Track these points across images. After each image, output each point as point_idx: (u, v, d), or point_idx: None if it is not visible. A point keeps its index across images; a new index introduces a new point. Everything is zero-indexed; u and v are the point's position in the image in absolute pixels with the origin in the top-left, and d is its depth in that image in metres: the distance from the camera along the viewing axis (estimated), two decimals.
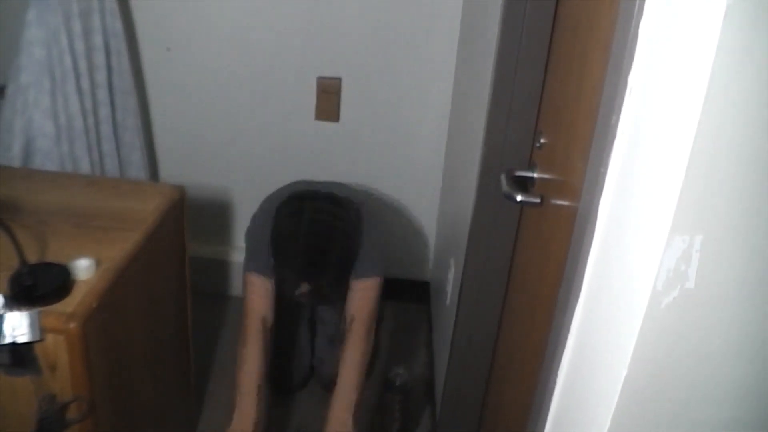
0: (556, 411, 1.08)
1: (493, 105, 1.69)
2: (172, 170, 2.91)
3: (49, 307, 1.38)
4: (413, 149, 2.81)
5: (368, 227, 2.20)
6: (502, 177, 1.54)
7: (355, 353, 2.11)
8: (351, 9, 2.57)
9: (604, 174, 0.89)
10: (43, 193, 1.82)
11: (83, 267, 1.47)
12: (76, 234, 1.65)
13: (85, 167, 2.36)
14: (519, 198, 1.49)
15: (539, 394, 1.15)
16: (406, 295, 3.06)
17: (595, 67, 1.17)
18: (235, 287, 3.02)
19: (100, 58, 2.38)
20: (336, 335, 2.54)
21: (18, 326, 1.33)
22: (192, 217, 1.97)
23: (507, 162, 1.68)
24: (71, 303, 1.40)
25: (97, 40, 2.36)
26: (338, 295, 2.21)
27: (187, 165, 2.88)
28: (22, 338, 1.33)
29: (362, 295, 2.18)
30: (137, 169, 2.65)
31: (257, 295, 2.14)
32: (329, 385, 2.54)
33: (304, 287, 2.14)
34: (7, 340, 1.32)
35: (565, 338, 1.02)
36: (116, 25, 2.43)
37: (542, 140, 1.56)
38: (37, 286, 1.39)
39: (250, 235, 2.26)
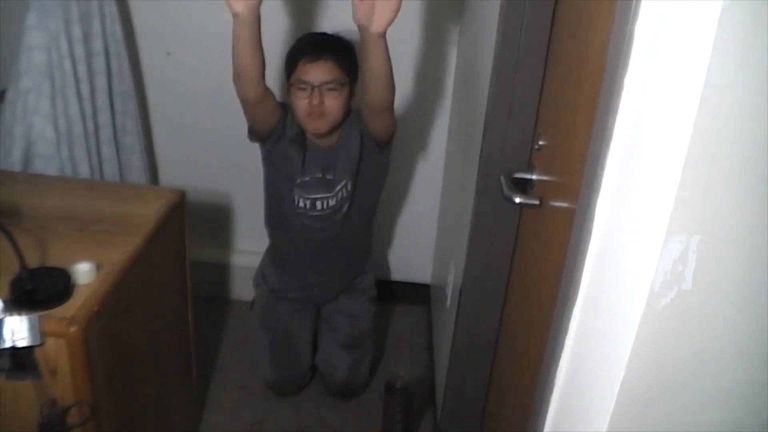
0: (555, 412, 1.08)
1: (492, 107, 1.69)
2: (172, 174, 2.91)
3: (49, 311, 1.38)
4: (412, 151, 2.81)
5: None
6: (502, 179, 1.54)
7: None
8: (350, 12, 2.57)
9: (601, 176, 0.89)
10: (44, 198, 1.83)
11: (84, 271, 1.47)
12: (77, 238, 1.65)
13: (85, 171, 2.36)
14: (518, 200, 1.49)
15: (538, 396, 1.16)
16: (406, 297, 3.06)
17: (592, 70, 1.17)
18: (236, 291, 3.03)
19: (100, 63, 2.39)
20: (347, 343, 2.54)
21: (18, 330, 1.33)
22: (192, 221, 1.97)
23: (506, 164, 1.68)
24: (72, 307, 1.40)
25: (97, 44, 2.37)
26: None
27: (187, 169, 2.88)
28: (23, 342, 1.33)
29: None
30: (137, 173, 2.65)
31: None
32: (340, 391, 2.55)
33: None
34: (8, 344, 1.33)
35: (564, 340, 1.02)
36: (116, 29, 2.43)
37: (541, 142, 1.57)
38: (38, 291, 1.39)
39: None
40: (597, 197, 0.90)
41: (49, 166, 2.27)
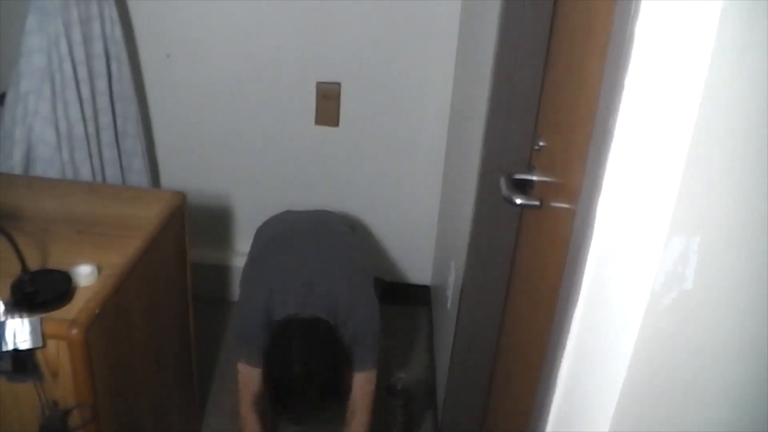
0: (557, 413, 1.08)
1: (491, 108, 1.69)
2: (172, 176, 2.91)
3: (50, 313, 1.38)
4: (413, 153, 2.81)
5: (360, 323, 2.13)
6: (502, 180, 1.54)
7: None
8: (350, 14, 2.58)
9: (602, 176, 0.89)
10: (44, 201, 1.83)
11: (85, 273, 1.47)
12: (78, 240, 1.65)
13: (86, 174, 2.36)
14: (518, 201, 1.49)
15: (540, 396, 1.16)
16: (406, 298, 3.06)
17: (592, 70, 1.18)
18: (237, 293, 3.02)
19: (100, 65, 2.39)
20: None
21: (19, 333, 1.33)
22: (193, 223, 1.98)
23: (506, 165, 1.69)
24: (73, 309, 1.40)
25: (97, 47, 2.37)
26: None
27: (187, 171, 2.88)
28: (24, 345, 1.33)
29: (362, 390, 2.16)
30: (138, 175, 2.65)
31: (249, 385, 2.12)
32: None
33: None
34: (9, 346, 1.33)
35: (565, 340, 1.02)
36: (116, 32, 2.43)
37: (541, 143, 1.57)
38: (39, 293, 1.39)
39: (239, 327, 2.14)
40: (598, 198, 0.90)
41: (50, 169, 2.27)
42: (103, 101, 2.42)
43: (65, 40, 2.23)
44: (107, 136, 2.47)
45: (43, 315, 1.36)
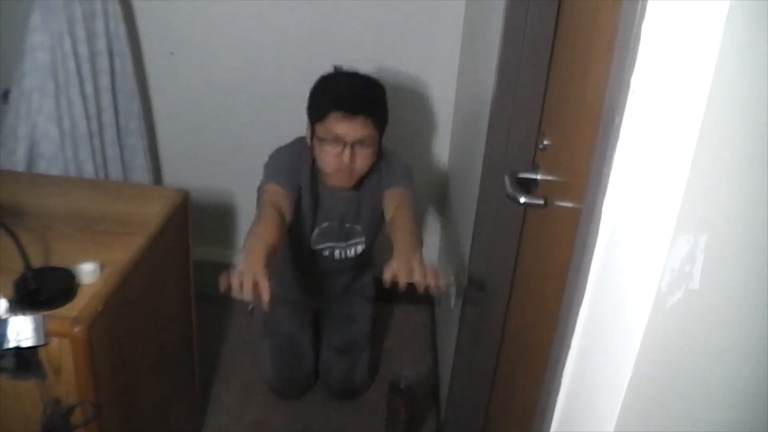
0: (561, 412, 1.08)
1: (495, 107, 1.69)
2: (175, 174, 2.91)
3: (53, 311, 1.38)
4: (416, 151, 2.81)
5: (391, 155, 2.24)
6: (506, 179, 1.54)
7: (407, 220, 2.02)
8: (354, 12, 2.58)
9: (608, 175, 0.88)
10: (47, 198, 1.83)
11: (88, 271, 1.47)
12: (81, 238, 1.65)
13: (89, 171, 2.36)
14: (522, 200, 1.48)
15: (544, 396, 1.15)
16: (410, 297, 3.04)
17: (597, 69, 1.17)
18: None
19: (103, 63, 2.39)
20: (342, 346, 2.54)
21: (22, 330, 1.33)
22: (196, 221, 1.97)
23: (510, 164, 1.68)
24: (76, 307, 1.40)
25: (101, 44, 2.37)
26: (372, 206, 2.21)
27: (190, 168, 2.88)
28: (27, 342, 1.33)
29: (399, 197, 2.11)
30: (141, 172, 2.65)
31: (274, 195, 2.04)
32: (338, 393, 2.55)
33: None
34: (12, 344, 1.33)
35: (570, 339, 1.02)
36: (120, 29, 2.43)
37: (545, 142, 1.56)
38: (42, 290, 1.39)
39: (272, 159, 2.20)
40: (604, 197, 0.90)
41: (53, 166, 2.28)
42: (106, 98, 2.43)
43: (69, 37, 2.23)
44: (110, 133, 2.47)
45: (46, 312, 1.36)
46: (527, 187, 1.57)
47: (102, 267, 1.51)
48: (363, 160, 2.11)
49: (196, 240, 2.00)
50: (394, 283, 1.69)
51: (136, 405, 1.74)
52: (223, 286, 1.63)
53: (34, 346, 1.35)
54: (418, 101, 2.71)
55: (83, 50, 2.28)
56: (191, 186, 2.01)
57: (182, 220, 1.89)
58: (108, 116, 2.45)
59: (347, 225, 2.29)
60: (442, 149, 2.79)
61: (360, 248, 2.35)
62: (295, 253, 2.40)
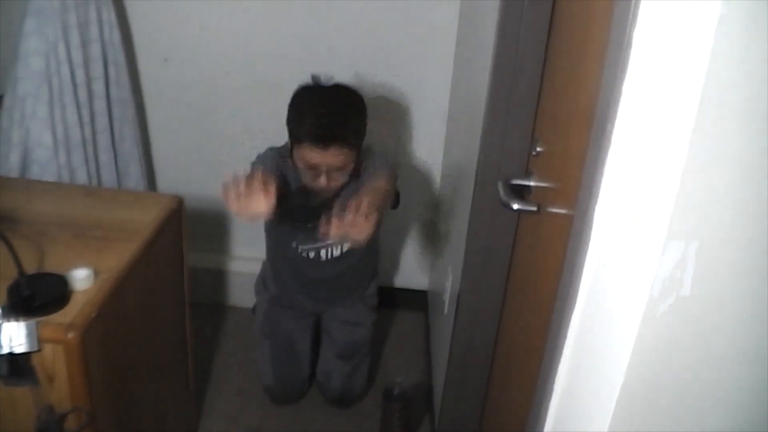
0: (554, 418, 1.08)
1: (489, 113, 1.69)
2: (170, 180, 2.91)
3: (47, 317, 1.38)
4: (410, 157, 2.81)
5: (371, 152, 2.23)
6: (499, 185, 1.54)
7: (377, 181, 2.06)
8: (348, 18, 2.58)
9: (600, 182, 0.89)
10: (41, 204, 1.83)
11: (81, 277, 1.47)
12: (75, 244, 1.65)
13: (82, 178, 2.36)
14: (516, 206, 1.49)
15: (537, 402, 1.16)
16: (403, 304, 3.06)
17: (590, 75, 1.18)
18: (234, 297, 3.02)
19: (97, 69, 2.39)
20: (344, 352, 2.54)
21: (16, 336, 1.32)
22: (190, 227, 1.97)
23: (503, 170, 1.69)
24: (69, 313, 1.40)
25: (95, 50, 2.37)
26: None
27: (185, 175, 2.88)
28: (20, 348, 1.33)
29: (374, 178, 2.11)
30: (135, 179, 2.65)
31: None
32: (337, 400, 2.55)
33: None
34: (5, 350, 1.32)
35: (562, 346, 1.02)
36: (114, 35, 2.43)
37: (538, 148, 1.57)
38: (35, 297, 1.39)
39: (261, 156, 2.27)
40: (595, 203, 0.90)
41: (47, 172, 2.27)
42: (100, 105, 2.42)
43: (63, 43, 2.23)
44: (104, 139, 2.47)
45: (40, 319, 1.36)
46: (520, 193, 1.58)
47: (96, 273, 1.51)
48: (340, 177, 2.14)
49: (191, 246, 2.00)
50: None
51: (130, 411, 1.74)
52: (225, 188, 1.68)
53: (27, 352, 1.34)
54: (412, 107, 2.71)
55: (77, 56, 2.28)
56: (185, 192, 2.01)
57: (176, 227, 1.89)
58: (102, 123, 2.45)
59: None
60: (435, 155, 2.80)
61: (345, 245, 2.35)
62: (286, 258, 2.41)
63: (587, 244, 0.93)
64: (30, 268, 1.44)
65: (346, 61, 2.65)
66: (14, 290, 1.38)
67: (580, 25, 1.31)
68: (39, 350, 1.36)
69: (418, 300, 3.07)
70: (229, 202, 1.69)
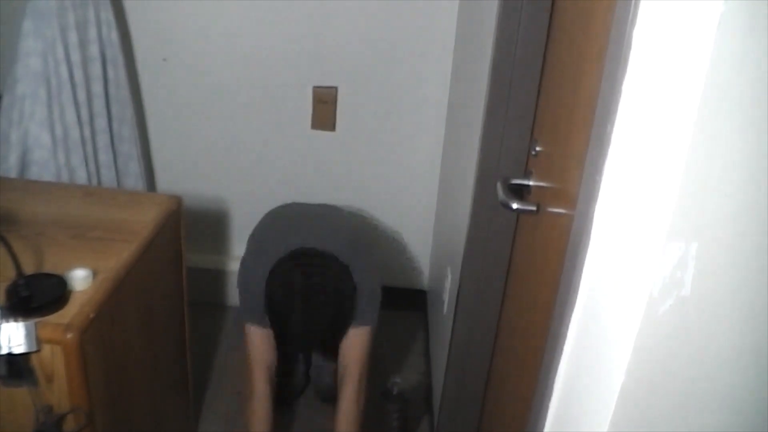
0: (554, 418, 1.08)
1: (488, 113, 1.69)
2: (168, 180, 2.91)
3: (45, 317, 1.37)
4: (409, 158, 2.81)
5: (360, 279, 2.08)
6: (498, 185, 1.54)
7: (351, 406, 2.12)
8: (347, 18, 2.58)
9: (600, 182, 0.89)
10: (40, 204, 1.82)
11: (80, 278, 1.47)
12: (73, 245, 1.65)
13: (81, 178, 2.36)
14: (515, 206, 1.49)
15: (537, 402, 1.15)
16: (403, 303, 3.05)
17: (589, 76, 1.18)
18: (232, 297, 3.02)
19: (96, 69, 2.39)
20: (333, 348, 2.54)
21: (14, 337, 1.32)
22: (189, 227, 1.97)
23: (503, 170, 1.69)
24: (68, 314, 1.40)
25: (94, 50, 2.36)
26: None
27: (183, 175, 2.88)
28: (19, 349, 1.33)
29: (355, 341, 2.13)
30: (134, 179, 2.65)
31: (259, 346, 2.09)
32: (327, 396, 2.54)
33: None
34: (4, 351, 1.32)
35: (562, 346, 1.02)
36: (112, 35, 2.43)
37: (538, 148, 1.57)
38: (34, 297, 1.38)
39: (243, 283, 2.13)
40: (595, 203, 0.90)
41: (46, 173, 2.27)
42: (99, 105, 2.42)
43: (61, 43, 2.22)
44: (103, 139, 2.47)
45: (38, 319, 1.36)
46: (520, 193, 1.57)
47: (95, 274, 1.51)
48: None
49: (189, 247, 2.00)
50: None
51: (128, 412, 1.73)
52: None
53: (26, 352, 1.34)
54: (411, 107, 2.71)
55: (76, 57, 2.28)
56: (184, 193, 2.01)
57: (175, 227, 1.88)
58: (101, 123, 2.44)
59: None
60: (434, 155, 2.80)
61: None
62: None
63: (587, 245, 0.93)
64: (29, 268, 1.44)
65: (345, 61, 2.65)
66: (13, 291, 1.38)
67: (580, 24, 1.31)
68: (38, 351, 1.35)
69: (417, 300, 3.07)
70: None
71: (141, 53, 2.69)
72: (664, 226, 0.71)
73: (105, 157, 2.49)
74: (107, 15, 2.40)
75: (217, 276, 3.01)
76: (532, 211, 1.49)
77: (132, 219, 1.76)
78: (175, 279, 1.97)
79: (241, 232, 2.98)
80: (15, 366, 1.36)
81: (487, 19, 1.80)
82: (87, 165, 2.38)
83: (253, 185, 2.89)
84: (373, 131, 2.76)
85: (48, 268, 1.52)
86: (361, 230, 2.36)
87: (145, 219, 1.76)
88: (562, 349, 1.02)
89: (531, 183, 1.57)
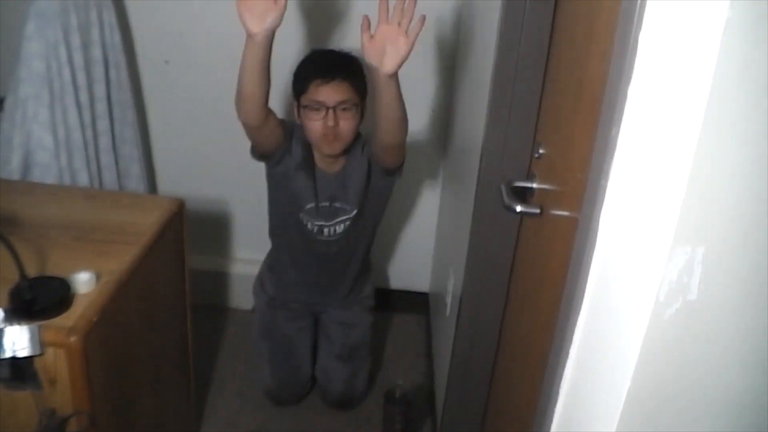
0: (559, 423, 1.08)
1: (491, 116, 1.69)
2: (170, 183, 2.91)
3: (49, 320, 1.37)
4: (411, 159, 2.80)
5: None
6: (501, 188, 1.54)
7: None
8: (348, 19, 2.58)
9: (605, 185, 0.89)
10: (43, 207, 1.82)
11: (83, 280, 1.47)
12: (76, 247, 1.65)
13: (83, 180, 2.36)
14: (518, 209, 1.48)
15: (541, 406, 1.15)
16: (405, 306, 3.05)
17: (593, 78, 1.17)
18: (235, 299, 3.02)
19: (98, 71, 2.39)
20: (343, 354, 2.54)
21: (18, 340, 1.32)
22: (191, 230, 1.97)
23: (506, 173, 1.68)
24: (71, 317, 1.40)
25: (96, 53, 2.37)
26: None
27: (185, 177, 2.88)
28: (22, 352, 1.33)
29: None
30: (136, 181, 2.65)
31: None
32: (337, 402, 2.55)
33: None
34: (7, 354, 1.32)
35: (568, 350, 1.02)
36: (115, 38, 2.43)
37: (541, 151, 1.56)
38: (37, 300, 1.38)
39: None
40: (601, 207, 0.90)
41: (48, 175, 2.27)
42: (101, 107, 2.42)
43: (64, 45, 2.22)
44: (105, 141, 2.47)
45: (42, 322, 1.36)
46: (523, 196, 1.57)
47: (97, 276, 1.50)
48: (346, 122, 2.18)
49: (192, 249, 2.00)
50: None
51: (131, 414, 1.73)
52: None
53: (29, 356, 1.34)
54: (413, 108, 2.70)
55: (78, 59, 2.28)
56: (186, 195, 2.01)
57: (177, 229, 1.88)
58: (103, 125, 2.44)
59: (336, 204, 2.34)
60: (437, 158, 2.80)
61: (347, 224, 2.37)
62: (287, 235, 2.44)
63: (593, 249, 0.93)
64: (32, 271, 1.44)
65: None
66: (16, 294, 1.38)
67: (584, 26, 1.31)
68: (41, 354, 1.35)
69: (420, 302, 3.07)
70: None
71: (143, 55, 2.69)
72: (671, 231, 0.71)
73: (107, 159, 2.49)
74: (110, 17, 2.40)
75: (219, 278, 3.01)
76: (535, 213, 1.49)
77: (134, 221, 1.76)
78: (177, 281, 1.97)
79: (243, 235, 2.99)
80: (18, 369, 1.36)
81: (489, 20, 1.80)
82: (89, 167, 2.38)
83: (255, 187, 2.88)
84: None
85: (51, 270, 1.52)
86: None
87: (147, 221, 1.76)
88: (567, 353, 1.02)
89: (534, 186, 1.57)
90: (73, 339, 1.35)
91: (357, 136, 2.27)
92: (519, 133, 1.67)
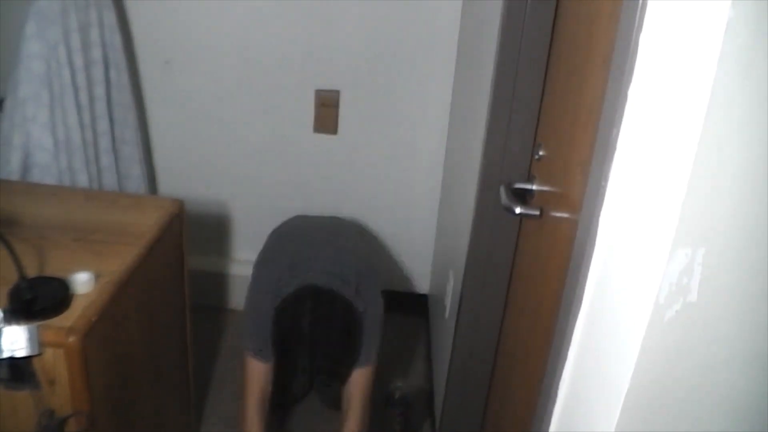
0: (558, 424, 1.08)
1: (492, 117, 1.69)
2: (170, 184, 2.91)
3: (48, 321, 1.37)
4: (411, 161, 2.81)
5: (365, 313, 2.15)
6: (501, 189, 1.54)
7: None
8: (350, 21, 2.58)
9: (605, 187, 0.88)
10: (42, 207, 1.82)
11: (82, 281, 1.47)
12: (76, 248, 1.64)
13: (83, 181, 2.36)
14: (518, 210, 1.48)
15: (541, 408, 1.15)
16: (404, 307, 3.05)
17: (593, 80, 1.17)
18: (234, 300, 3.02)
19: (98, 72, 2.38)
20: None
21: (17, 340, 1.32)
22: (191, 231, 1.97)
23: (506, 174, 1.68)
24: (70, 317, 1.39)
25: (96, 53, 2.36)
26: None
27: (185, 178, 2.88)
28: (21, 352, 1.33)
29: (359, 381, 2.19)
30: (136, 182, 2.65)
31: (258, 379, 2.13)
32: (335, 404, 2.54)
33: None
34: (6, 354, 1.32)
35: (567, 351, 1.01)
36: (115, 38, 2.43)
37: (541, 152, 1.56)
38: (37, 300, 1.38)
39: (249, 316, 2.16)
40: (601, 208, 0.90)
41: (48, 175, 2.27)
42: (101, 108, 2.42)
43: (64, 46, 2.22)
44: (105, 142, 2.47)
45: (41, 323, 1.36)
46: (523, 197, 1.57)
47: (97, 277, 1.50)
48: None
49: (191, 250, 2.00)
50: None
51: (130, 415, 1.73)
52: None
53: (28, 356, 1.34)
54: (414, 110, 2.71)
55: (78, 60, 2.28)
56: (186, 196, 2.01)
57: (177, 230, 1.88)
58: (103, 126, 2.44)
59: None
60: (437, 158, 2.79)
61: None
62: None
63: (592, 250, 0.92)
64: (31, 271, 1.44)
65: (348, 65, 2.65)
66: (15, 294, 1.38)
67: (584, 27, 1.31)
68: (40, 354, 1.35)
69: (419, 304, 3.07)
70: None
71: (143, 56, 2.69)
72: (671, 232, 0.71)
73: (107, 160, 2.49)
74: (110, 18, 2.40)
75: (219, 279, 3.01)
76: (535, 215, 1.49)
77: (134, 222, 1.76)
78: (177, 282, 1.97)
79: (243, 235, 2.99)
80: (17, 369, 1.36)
81: (490, 22, 1.80)
82: (89, 168, 2.38)
83: (255, 188, 2.89)
84: (376, 135, 2.76)
85: (50, 271, 1.52)
86: (364, 247, 2.39)
87: (147, 222, 1.76)
88: (566, 355, 1.02)
89: (534, 187, 1.57)
90: (72, 339, 1.35)
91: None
92: (519, 134, 1.67)
